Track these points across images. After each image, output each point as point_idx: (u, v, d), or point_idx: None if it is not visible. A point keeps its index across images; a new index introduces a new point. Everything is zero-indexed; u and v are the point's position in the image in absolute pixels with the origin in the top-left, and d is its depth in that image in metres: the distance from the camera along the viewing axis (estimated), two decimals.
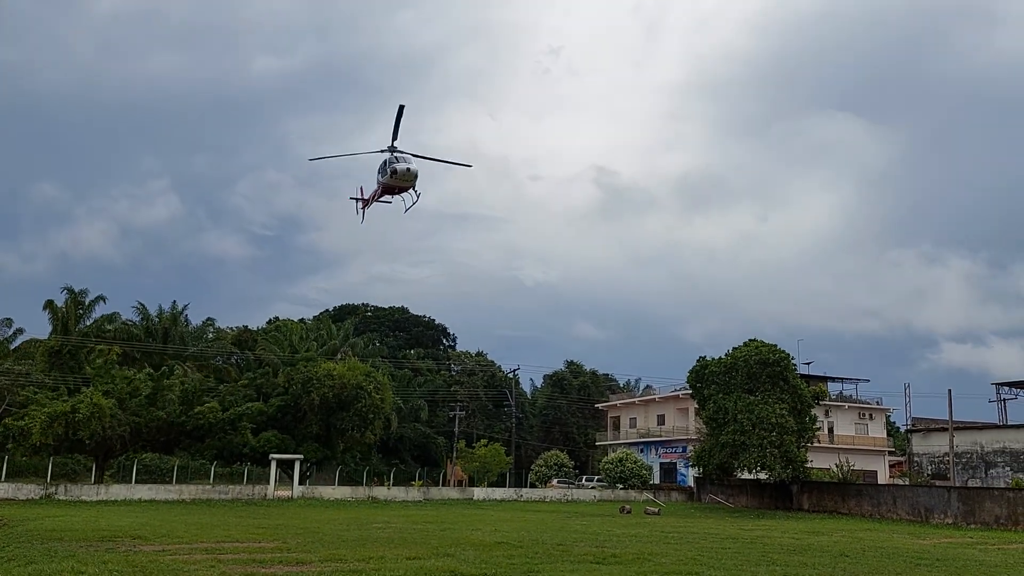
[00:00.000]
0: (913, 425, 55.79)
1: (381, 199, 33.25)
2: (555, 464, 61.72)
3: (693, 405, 54.88)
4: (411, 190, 31.74)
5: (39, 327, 69.87)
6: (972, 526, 34.33)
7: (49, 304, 58.52)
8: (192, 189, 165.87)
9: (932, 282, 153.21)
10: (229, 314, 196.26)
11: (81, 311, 59.69)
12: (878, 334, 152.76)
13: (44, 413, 40.35)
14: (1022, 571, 17.12)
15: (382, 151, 31.62)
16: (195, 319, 67.20)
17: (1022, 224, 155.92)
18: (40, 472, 42.89)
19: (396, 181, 31.32)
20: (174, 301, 66.12)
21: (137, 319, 62.58)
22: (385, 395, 50.98)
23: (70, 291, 59.33)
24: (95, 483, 41.73)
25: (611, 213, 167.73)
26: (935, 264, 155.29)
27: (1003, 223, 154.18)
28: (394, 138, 31.25)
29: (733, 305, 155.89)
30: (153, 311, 63.33)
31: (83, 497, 38.58)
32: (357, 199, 35.42)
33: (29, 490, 38.17)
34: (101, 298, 60.38)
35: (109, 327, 59.63)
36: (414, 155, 31.71)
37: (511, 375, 78.96)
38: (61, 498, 37.89)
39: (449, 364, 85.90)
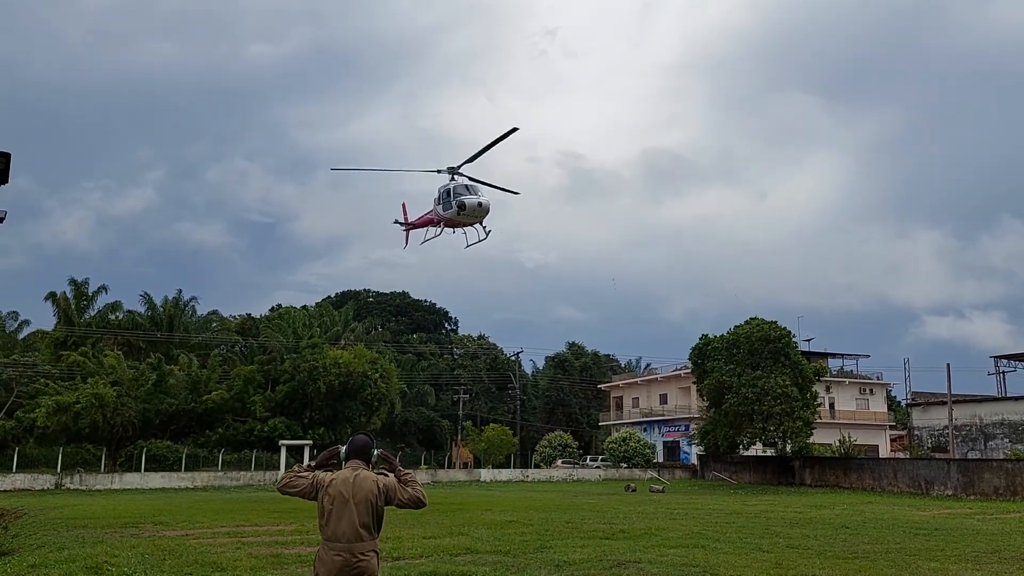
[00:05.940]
0: (913, 399, 56.34)
1: (430, 234, 27.68)
2: (559, 445, 62.34)
3: (695, 383, 55.44)
4: (479, 224, 26.19)
5: (43, 319, 70.38)
6: (971, 497, 34.87)
7: (52, 295, 58.99)
8: (188, 178, 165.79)
9: (906, 257, 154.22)
10: (230, 303, 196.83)
11: (85, 302, 60.11)
12: (856, 310, 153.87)
13: (52, 401, 41.16)
14: (1018, 539, 17.63)
15: (439, 171, 25.84)
16: (197, 309, 67.67)
17: (988, 198, 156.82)
18: (51, 463, 43.42)
19: (465, 218, 25.62)
20: (179, 290, 66.63)
21: (142, 308, 63.03)
22: (391, 381, 51.54)
23: (73, 282, 59.76)
24: (106, 472, 42.28)
25: (602, 193, 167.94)
26: (907, 239, 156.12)
27: (971, 197, 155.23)
28: (471, 159, 25.53)
29: (713, 283, 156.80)
30: (157, 301, 63.72)
31: (96, 486, 39.10)
32: (400, 223, 30.55)
33: (45, 480, 38.65)
34: (104, 288, 60.87)
35: (112, 316, 60.06)
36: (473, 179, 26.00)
37: (514, 358, 79.52)
38: (74, 487, 38.39)
39: (451, 348, 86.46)
